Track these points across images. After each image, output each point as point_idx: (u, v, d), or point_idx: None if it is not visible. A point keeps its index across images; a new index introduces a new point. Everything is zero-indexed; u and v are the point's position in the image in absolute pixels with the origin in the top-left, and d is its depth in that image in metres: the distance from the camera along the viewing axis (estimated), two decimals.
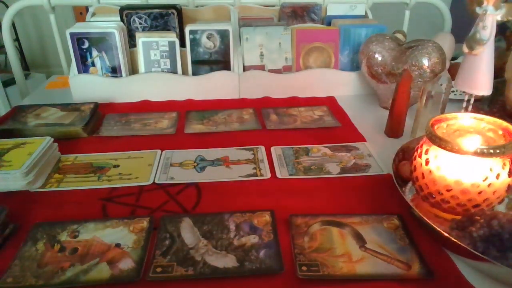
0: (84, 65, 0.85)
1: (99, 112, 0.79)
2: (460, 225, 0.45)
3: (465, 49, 0.66)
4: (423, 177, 0.48)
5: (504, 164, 0.45)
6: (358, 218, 0.50)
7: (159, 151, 0.66)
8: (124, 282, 0.41)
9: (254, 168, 0.61)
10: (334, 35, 0.90)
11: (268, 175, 0.60)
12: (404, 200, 0.49)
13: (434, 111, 0.66)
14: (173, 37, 0.85)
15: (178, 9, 0.90)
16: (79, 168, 0.61)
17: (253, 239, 0.46)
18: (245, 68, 0.89)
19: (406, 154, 0.59)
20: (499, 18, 0.63)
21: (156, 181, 0.58)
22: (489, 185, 0.44)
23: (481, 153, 0.43)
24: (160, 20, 0.91)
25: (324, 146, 0.68)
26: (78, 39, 0.83)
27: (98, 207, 0.53)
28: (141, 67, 0.87)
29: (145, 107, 0.84)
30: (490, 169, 0.44)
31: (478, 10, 0.63)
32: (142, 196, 0.55)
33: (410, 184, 0.56)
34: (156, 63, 0.87)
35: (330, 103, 0.87)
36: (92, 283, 0.41)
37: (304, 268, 0.42)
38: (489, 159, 0.44)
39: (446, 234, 0.42)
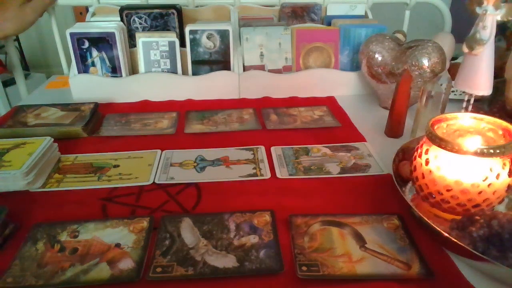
0: (84, 65, 0.85)
1: (99, 112, 0.79)
2: (460, 225, 0.45)
3: (465, 49, 0.66)
4: (423, 177, 0.48)
5: (504, 164, 0.45)
6: (358, 218, 0.50)
7: (159, 151, 0.66)
8: (124, 282, 0.41)
9: (254, 168, 0.61)
10: (334, 35, 0.90)
11: (268, 175, 0.60)
12: (404, 200, 0.49)
13: (434, 111, 0.66)
14: (173, 37, 0.85)
15: (178, 9, 0.90)
16: (79, 168, 0.61)
17: (253, 239, 0.46)
18: (245, 68, 0.89)
19: (406, 154, 0.59)
20: (499, 18, 0.63)
21: (156, 181, 0.58)
22: (489, 185, 0.44)
23: (481, 153, 0.43)
24: (160, 20, 0.91)
25: (324, 146, 0.68)
26: (78, 39, 0.83)
27: (98, 207, 0.53)
28: (141, 67, 0.87)
29: (145, 107, 0.84)
30: (490, 169, 0.44)
31: (478, 10, 0.63)
32: (142, 196, 0.55)
33: (410, 184, 0.56)
34: (156, 63, 0.87)
35: (330, 103, 0.87)
36: (92, 283, 0.41)
37: (304, 268, 0.42)
38: (489, 159, 0.44)
39: (446, 234, 0.42)
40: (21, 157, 0.56)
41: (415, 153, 0.51)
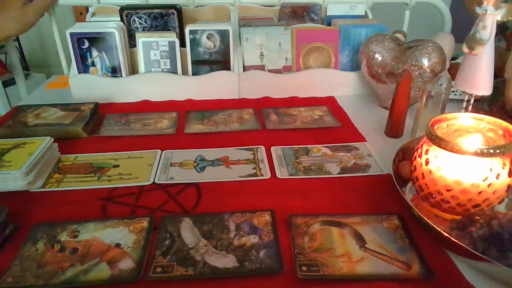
0: (84, 65, 0.85)
1: (99, 112, 0.79)
2: (460, 225, 0.45)
3: (465, 49, 0.66)
4: (423, 177, 0.48)
5: (504, 164, 0.45)
6: (358, 218, 0.50)
7: (159, 151, 0.66)
8: (124, 282, 0.41)
9: (254, 168, 0.61)
10: (334, 35, 0.90)
11: (268, 175, 0.60)
12: (404, 200, 0.49)
13: (434, 111, 0.66)
14: (173, 37, 0.85)
15: (178, 9, 0.90)
16: (79, 168, 0.61)
17: (253, 239, 0.46)
18: (245, 68, 0.89)
19: (406, 154, 0.59)
20: (499, 18, 0.63)
21: (156, 181, 0.58)
22: (489, 185, 0.44)
23: (481, 153, 0.43)
24: (160, 20, 0.91)
25: (324, 146, 0.68)
26: (78, 39, 0.83)
27: (98, 207, 0.53)
28: (141, 67, 0.87)
29: (145, 107, 0.84)
30: (490, 169, 0.44)
31: (478, 10, 0.63)
32: (142, 196, 0.55)
33: (410, 184, 0.56)
34: (156, 63, 0.87)
35: (330, 103, 0.87)
36: (92, 283, 0.41)
37: (304, 268, 0.42)
38: (489, 159, 0.44)
39: (446, 234, 0.42)
40: (21, 157, 0.56)
41: (415, 153, 0.51)
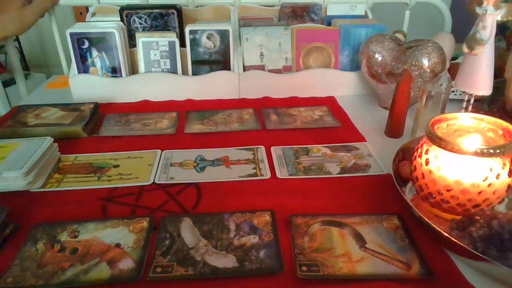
0: (84, 65, 0.85)
1: (99, 112, 0.79)
2: (460, 225, 0.45)
3: (465, 49, 0.66)
4: (423, 177, 0.48)
5: (504, 164, 0.45)
6: (358, 218, 0.50)
7: (159, 151, 0.66)
8: (124, 282, 0.41)
9: (254, 168, 0.61)
10: (334, 35, 0.90)
11: (268, 175, 0.60)
12: (404, 200, 0.49)
13: (434, 111, 0.66)
14: (173, 37, 0.85)
15: (178, 9, 0.90)
16: (79, 168, 0.61)
17: (253, 239, 0.46)
18: (245, 68, 0.89)
19: (406, 154, 0.59)
20: (499, 18, 0.63)
21: (156, 181, 0.58)
22: (489, 185, 0.44)
23: (481, 153, 0.43)
24: (160, 20, 0.91)
25: (324, 146, 0.68)
26: (78, 39, 0.83)
27: (98, 207, 0.53)
28: (141, 67, 0.87)
29: (145, 107, 0.84)
30: (490, 169, 0.44)
31: (478, 10, 0.63)
32: (142, 196, 0.55)
33: (410, 184, 0.56)
34: (156, 63, 0.87)
35: (330, 103, 0.87)
36: (92, 283, 0.41)
37: (304, 268, 0.42)
38: (489, 159, 0.44)
39: (446, 234, 0.42)
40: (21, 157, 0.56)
41: (415, 153, 0.51)
